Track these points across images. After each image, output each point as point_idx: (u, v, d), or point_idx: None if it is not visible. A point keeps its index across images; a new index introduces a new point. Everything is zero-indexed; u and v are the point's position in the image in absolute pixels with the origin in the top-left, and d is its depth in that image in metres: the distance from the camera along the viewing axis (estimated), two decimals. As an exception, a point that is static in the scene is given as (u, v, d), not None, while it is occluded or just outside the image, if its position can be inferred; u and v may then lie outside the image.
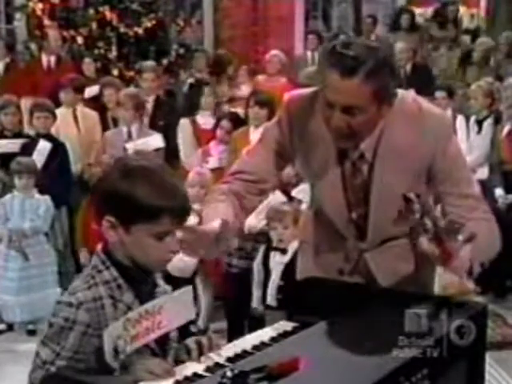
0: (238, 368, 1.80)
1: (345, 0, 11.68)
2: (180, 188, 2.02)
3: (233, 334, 4.72)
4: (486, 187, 5.78)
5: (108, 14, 9.09)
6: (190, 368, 1.95)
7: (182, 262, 4.58)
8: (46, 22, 8.90)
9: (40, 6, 9.00)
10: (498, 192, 5.98)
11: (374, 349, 1.95)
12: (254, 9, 11.19)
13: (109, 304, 1.95)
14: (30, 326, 5.30)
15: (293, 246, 4.32)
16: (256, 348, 2.08)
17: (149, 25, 9.29)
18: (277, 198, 4.66)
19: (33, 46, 9.21)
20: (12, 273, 5.28)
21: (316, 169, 2.49)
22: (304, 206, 4.41)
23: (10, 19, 10.28)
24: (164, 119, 6.75)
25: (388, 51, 2.33)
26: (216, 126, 5.95)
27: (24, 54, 9.48)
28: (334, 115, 2.27)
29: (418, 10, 10.42)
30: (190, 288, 2.11)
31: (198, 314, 5.29)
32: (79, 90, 6.88)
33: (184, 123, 6.43)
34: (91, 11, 9.10)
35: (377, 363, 1.86)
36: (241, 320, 4.85)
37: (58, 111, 6.48)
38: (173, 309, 2.00)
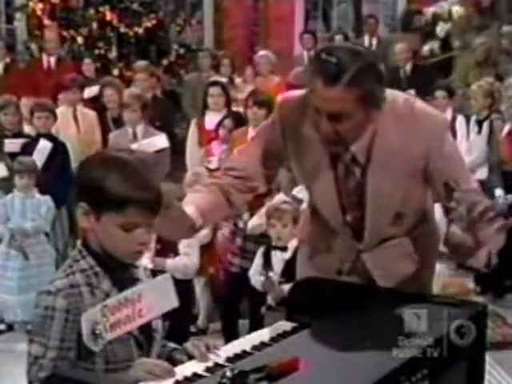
0: (238, 368, 1.80)
1: (345, 0, 11.67)
2: (152, 183, 2.03)
3: (227, 333, 4.73)
4: (486, 187, 5.77)
5: (108, 14, 9.11)
6: (190, 368, 1.95)
7: (183, 265, 4.59)
8: (46, 21, 8.90)
9: (40, 5, 9.02)
10: (498, 192, 5.98)
11: (373, 349, 1.95)
12: (254, 9, 11.19)
13: (86, 291, 1.98)
14: (30, 326, 5.29)
15: (293, 244, 4.32)
16: (256, 348, 2.08)
17: (149, 25, 9.31)
18: (279, 197, 4.68)
19: (33, 46, 9.22)
20: (12, 272, 5.28)
21: (309, 172, 2.49)
22: (305, 206, 4.42)
23: (10, 19, 10.29)
24: (160, 119, 6.74)
25: (372, 55, 2.32)
26: (219, 125, 5.95)
27: (24, 54, 9.48)
28: (321, 121, 2.27)
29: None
30: (168, 275, 2.14)
31: (197, 315, 5.30)
32: (80, 89, 6.90)
33: (192, 123, 6.47)
34: (91, 11, 9.11)
35: (377, 363, 1.86)
36: (235, 319, 4.85)
37: (59, 111, 6.49)
38: (153, 297, 2.03)
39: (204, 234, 5.05)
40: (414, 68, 8.78)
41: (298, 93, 2.54)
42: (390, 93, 2.38)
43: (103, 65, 8.89)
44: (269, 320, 4.02)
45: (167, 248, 4.64)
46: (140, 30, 9.23)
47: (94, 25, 9.08)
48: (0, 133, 6.00)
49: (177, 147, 6.42)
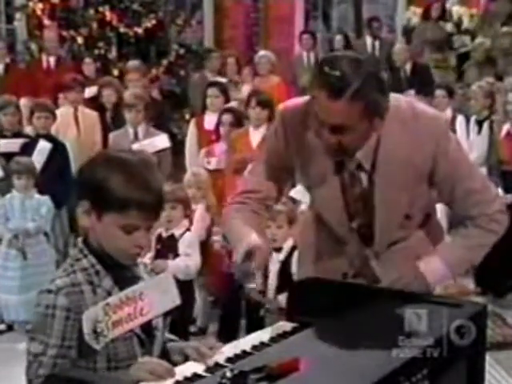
0: (238, 368, 1.80)
1: (345, 0, 11.67)
2: (155, 185, 2.03)
3: (226, 333, 4.73)
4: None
5: (108, 14, 9.11)
6: (190, 368, 1.95)
7: (185, 266, 4.58)
8: (46, 21, 8.90)
9: (40, 5, 9.01)
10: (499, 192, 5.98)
11: (373, 349, 1.95)
12: (254, 9, 11.19)
13: (88, 290, 1.99)
14: (30, 326, 5.29)
15: (288, 244, 4.32)
16: (256, 348, 2.08)
17: (149, 25, 9.31)
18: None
19: (33, 46, 9.21)
20: (12, 272, 5.28)
21: (314, 179, 2.49)
22: (303, 207, 4.42)
23: (10, 19, 10.28)
24: (156, 119, 6.74)
25: (374, 64, 2.32)
26: (217, 125, 5.93)
27: (24, 54, 9.48)
28: (324, 133, 2.27)
29: (418, 10, 10.40)
30: (168, 274, 2.16)
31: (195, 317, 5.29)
32: (82, 89, 6.91)
33: (191, 123, 6.47)
34: (91, 11, 9.11)
35: (377, 363, 1.86)
36: (235, 320, 4.85)
37: (59, 111, 6.49)
38: (154, 295, 2.04)
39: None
40: (413, 68, 8.79)
41: (299, 101, 2.53)
42: (393, 97, 2.37)
43: (103, 65, 8.89)
44: (269, 320, 4.03)
45: (167, 248, 4.64)
46: (140, 30, 9.22)
47: (94, 25, 9.08)
48: (-1, 133, 6.02)
49: (177, 147, 6.41)
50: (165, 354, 2.11)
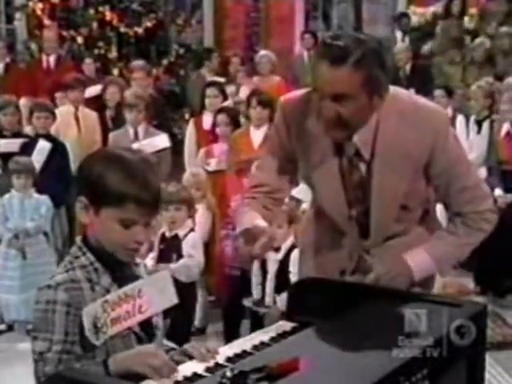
0: (238, 368, 1.80)
1: (345, 0, 11.67)
2: (153, 182, 2.03)
3: (230, 334, 4.73)
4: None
5: (108, 14, 9.12)
6: (190, 368, 1.94)
7: (187, 268, 4.58)
8: (46, 21, 8.91)
9: (40, 5, 9.02)
10: (497, 192, 5.98)
11: (373, 349, 1.95)
12: (254, 9, 11.19)
13: (86, 287, 1.99)
14: (30, 326, 5.29)
15: (287, 244, 4.32)
16: (256, 348, 2.08)
17: (149, 25, 9.32)
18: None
19: (33, 46, 9.22)
20: (12, 271, 5.28)
21: (315, 167, 2.50)
22: (304, 206, 4.42)
23: (10, 19, 10.29)
24: (157, 118, 6.75)
25: (377, 43, 2.36)
26: (213, 125, 5.93)
27: (24, 54, 9.48)
28: (324, 105, 2.30)
29: (418, 10, 10.40)
30: (167, 272, 2.17)
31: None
32: (83, 89, 6.91)
33: (190, 123, 6.48)
34: (91, 11, 9.12)
35: (377, 363, 1.86)
36: (238, 320, 4.85)
37: (60, 111, 6.50)
38: (153, 293, 2.05)
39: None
40: (413, 68, 8.79)
41: (299, 92, 2.57)
42: (393, 89, 2.41)
43: (103, 65, 8.89)
44: (269, 320, 4.03)
45: (171, 248, 4.64)
46: (140, 30, 9.23)
47: (94, 25, 9.09)
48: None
49: (176, 147, 6.42)
50: None
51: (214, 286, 5.30)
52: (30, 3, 9.13)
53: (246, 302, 4.57)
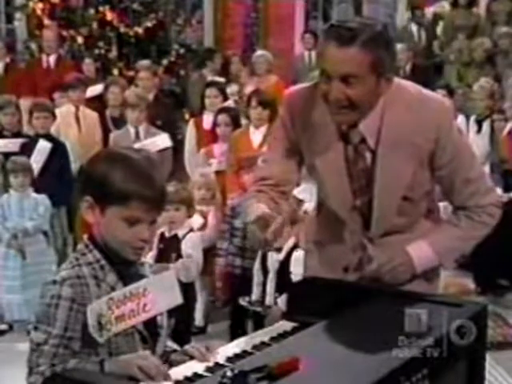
0: (238, 368, 1.80)
1: (345, 0, 11.67)
2: (158, 180, 2.05)
3: (235, 334, 4.73)
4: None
5: (108, 14, 9.12)
6: (190, 368, 1.95)
7: (185, 268, 4.58)
8: (46, 21, 8.91)
9: (40, 5, 9.02)
10: (498, 191, 5.98)
11: (374, 349, 1.94)
12: (254, 9, 11.19)
13: (92, 283, 2.01)
14: (31, 326, 5.29)
15: (288, 244, 4.32)
16: (256, 348, 2.08)
17: (149, 25, 9.32)
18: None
19: (33, 46, 9.23)
20: (12, 271, 5.28)
21: (320, 157, 2.51)
22: (306, 206, 4.41)
23: (10, 19, 10.29)
24: (162, 118, 6.75)
25: (383, 27, 2.39)
26: (214, 125, 5.93)
27: (24, 53, 9.49)
28: (332, 87, 2.31)
29: (418, 10, 10.40)
30: (172, 272, 2.20)
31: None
32: (84, 89, 6.92)
33: (190, 123, 6.49)
34: (91, 11, 9.12)
35: (377, 363, 1.86)
36: (243, 320, 4.85)
37: (60, 110, 6.50)
38: (158, 292, 2.05)
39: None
40: (413, 68, 8.80)
41: (303, 85, 2.62)
42: (400, 81, 2.47)
43: (103, 65, 8.89)
44: (270, 319, 4.04)
45: (170, 248, 4.64)
46: (140, 30, 9.24)
47: (94, 25, 9.09)
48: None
49: (176, 147, 6.42)
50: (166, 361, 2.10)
51: (218, 286, 5.29)
52: (30, 3, 9.13)
53: (242, 302, 4.57)
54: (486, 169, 6.20)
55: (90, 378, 1.86)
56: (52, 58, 8.35)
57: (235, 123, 5.82)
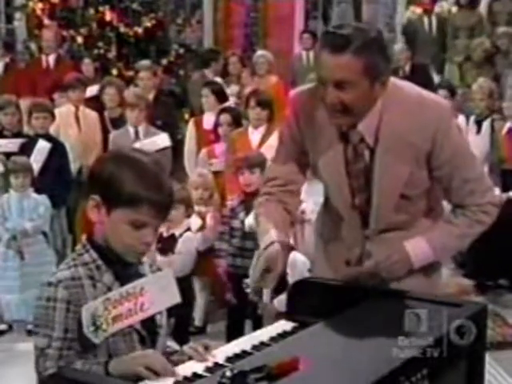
0: (238, 368, 1.80)
1: (345, 0, 11.67)
2: (166, 184, 2.05)
3: (232, 335, 4.72)
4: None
5: (108, 14, 9.11)
6: (190, 368, 1.94)
7: (180, 263, 4.58)
8: (46, 21, 8.91)
9: (40, 5, 9.02)
10: (496, 191, 5.98)
11: (373, 349, 1.95)
12: (254, 9, 11.19)
13: (88, 284, 2.00)
14: (30, 326, 5.29)
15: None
16: (256, 348, 2.08)
17: (149, 25, 9.31)
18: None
19: (33, 46, 9.22)
20: (12, 272, 5.27)
21: (321, 156, 2.55)
22: (304, 206, 4.41)
23: (10, 19, 10.29)
24: (162, 118, 6.75)
25: (377, 32, 2.44)
26: (216, 125, 5.93)
27: (24, 53, 9.49)
28: (327, 92, 2.36)
29: (418, 10, 10.41)
30: (169, 271, 2.19)
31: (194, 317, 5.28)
32: (84, 89, 6.91)
33: (190, 123, 6.49)
34: (91, 11, 9.12)
35: (377, 363, 1.86)
36: (240, 321, 4.84)
37: (60, 110, 6.49)
38: (155, 291, 2.05)
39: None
40: (413, 68, 8.80)
41: (308, 85, 2.66)
42: (399, 82, 2.51)
43: (102, 65, 8.89)
44: (268, 320, 4.03)
45: (167, 247, 4.64)
46: (140, 30, 9.23)
47: (94, 25, 9.08)
48: (-1, 133, 6.01)
49: (176, 147, 6.42)
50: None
51: (218, 287, 5.28)
52: (30, 3, 9.13)
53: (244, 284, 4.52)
54: (486, 169, 6.21)
55: (90, 378, 1.86)
56: (51, 58, 8.34)
57: (237, 123, 5.83)
